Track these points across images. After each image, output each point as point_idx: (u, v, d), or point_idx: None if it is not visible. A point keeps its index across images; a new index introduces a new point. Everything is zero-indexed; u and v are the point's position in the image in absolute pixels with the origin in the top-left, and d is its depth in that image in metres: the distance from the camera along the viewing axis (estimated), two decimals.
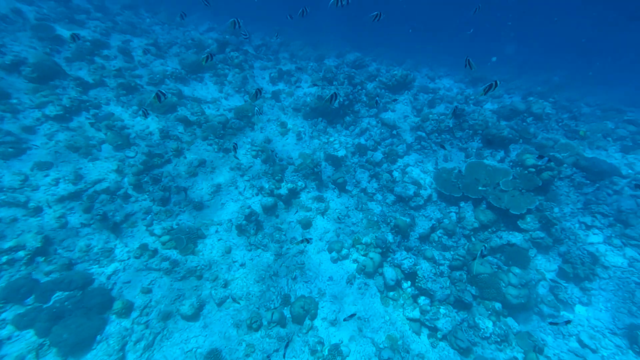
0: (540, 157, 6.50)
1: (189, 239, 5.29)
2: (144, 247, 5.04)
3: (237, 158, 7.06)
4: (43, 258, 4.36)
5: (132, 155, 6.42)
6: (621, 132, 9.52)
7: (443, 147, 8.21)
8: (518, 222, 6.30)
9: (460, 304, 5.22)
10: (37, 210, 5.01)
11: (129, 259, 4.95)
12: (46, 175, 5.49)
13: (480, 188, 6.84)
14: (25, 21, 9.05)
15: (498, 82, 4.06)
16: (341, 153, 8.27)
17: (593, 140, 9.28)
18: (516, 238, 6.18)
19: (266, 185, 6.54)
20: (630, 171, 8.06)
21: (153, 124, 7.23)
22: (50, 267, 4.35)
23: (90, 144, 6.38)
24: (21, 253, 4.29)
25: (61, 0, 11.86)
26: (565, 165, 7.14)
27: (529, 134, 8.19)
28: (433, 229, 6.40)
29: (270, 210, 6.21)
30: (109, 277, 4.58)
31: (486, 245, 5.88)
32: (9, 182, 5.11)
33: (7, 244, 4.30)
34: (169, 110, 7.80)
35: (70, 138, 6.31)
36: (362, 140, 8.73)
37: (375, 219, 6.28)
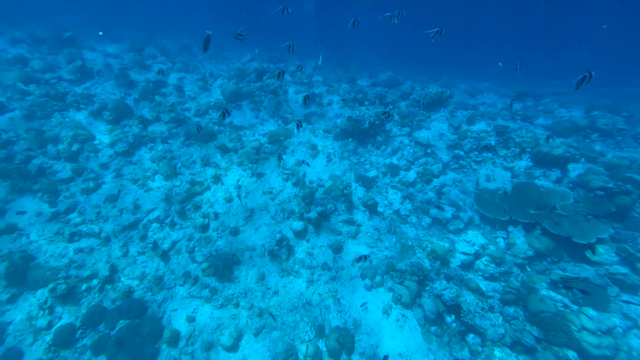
0: None
1: (225, 266, 5.53)
2: (187, 275, 5.38)
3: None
4: (110, 286, 4.91)
5: (178, 184, 7.06)
6: None
7: (487, 149, 7.55)
8: (586, 252, 5.43)
9: (519, 347, 4.56)
10: (107, 240, 5.72)
11: (175, 286, 5.32)
12: (113, 207, 6.28)
13: (531, 212, 6.12)
14: (111, 72, 10.93)
15: (593, 73, 3.52)
16: (372, 173, 8.13)
17: None
18: (586, 272, 5.31)
19: (296, 209, 6.64)
20: None
21: (196, 153, 7.93)
22: (115, 294, 4.87)
23: (146, 175, 7.19)
24: (95, 281, 4.90)
25: (137, 50, 14.24)
26: None
27: (593, 152, 7.16)
28: (477, 256, 5.82)
29: (301, 234, 6.25)
30: (159, 305, 4.96)
31: (580, 278, 4.86)
32: (89, 215, 5.96)
33: (86, 273, 4.95)
34: (210, 139, 8.51)
35: (132, 171, 7.21)
36: (394, 160, 8.48)
37: (410, 244, 5.94)
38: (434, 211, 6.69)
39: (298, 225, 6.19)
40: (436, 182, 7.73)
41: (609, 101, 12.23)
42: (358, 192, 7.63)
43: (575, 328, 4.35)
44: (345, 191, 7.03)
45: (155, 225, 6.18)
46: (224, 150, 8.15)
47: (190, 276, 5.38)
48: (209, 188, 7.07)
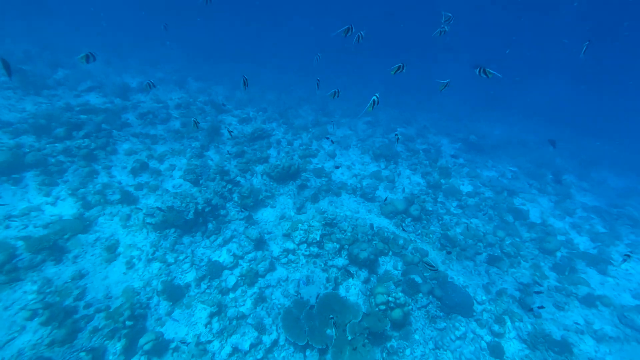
0: None
1: None
2: None
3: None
4: None
5: None
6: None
7: (313, 244, 7.22)
8: None
9: None
10: None
11: None
12: None
13: (328, 332, 5.97)
14: None
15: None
16: (189, 277, 6.86)
17: (464, 247, 8.14)
18: None
19: None
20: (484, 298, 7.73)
21: None
22: None
23: None
24: None
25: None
26: (420, 294, 6.74)
27: (397, 246, 7.85)
28: None
29: None
30: None
31: None
32: None
33: None
34: None
35: None
36: (223, 255, 7.47)
37: None
38: (235, 337, 5.87)
39: None
40: (261, 283, 7.05)
41: (454, 157, 14.55)
42: (160, 310, 6.18)
43: None
44: (127, 322, 5.48)
45: None
46: None
47: None
48: None
